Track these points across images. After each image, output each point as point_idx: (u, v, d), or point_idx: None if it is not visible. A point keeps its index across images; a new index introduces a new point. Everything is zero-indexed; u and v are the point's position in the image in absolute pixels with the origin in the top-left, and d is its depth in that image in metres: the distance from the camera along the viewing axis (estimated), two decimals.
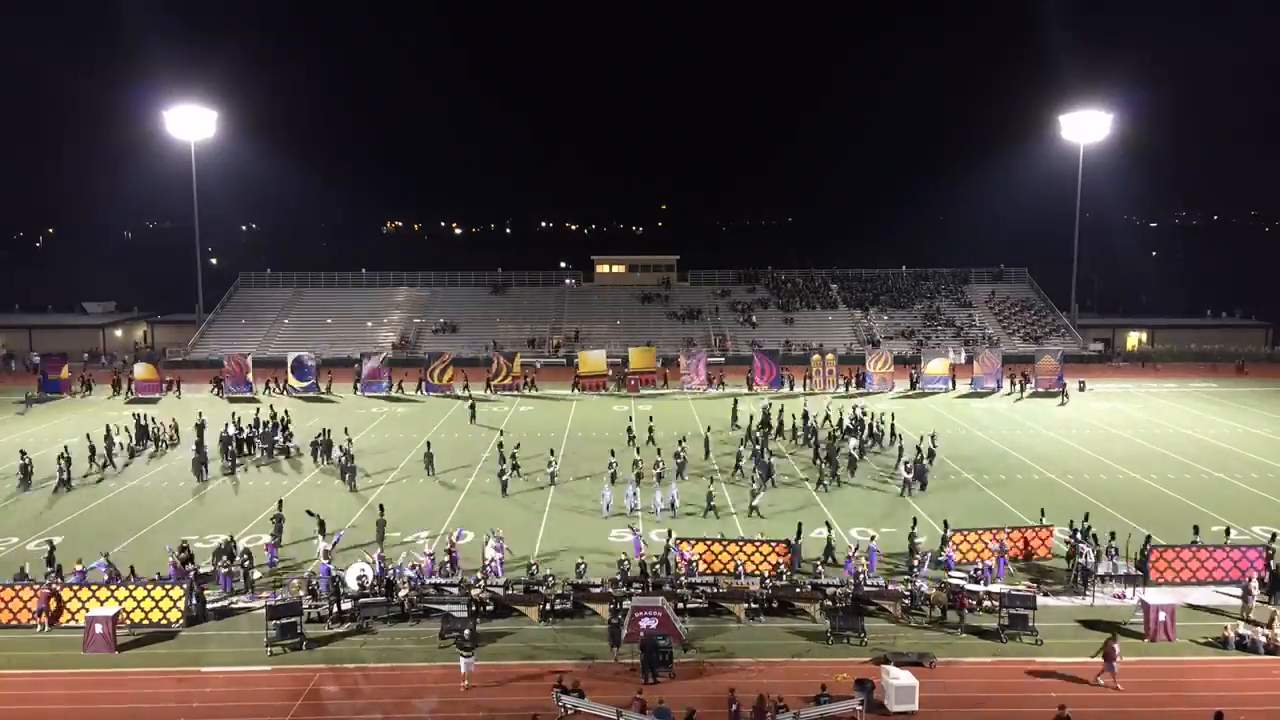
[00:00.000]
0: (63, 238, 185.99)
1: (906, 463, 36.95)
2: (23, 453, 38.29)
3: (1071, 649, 22.99)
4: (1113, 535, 28.15)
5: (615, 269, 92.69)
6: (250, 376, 60.21)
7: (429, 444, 41.28)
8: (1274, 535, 27.98)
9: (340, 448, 39.37)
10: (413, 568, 26.26)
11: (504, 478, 36.15)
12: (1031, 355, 64.68)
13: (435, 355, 62.73)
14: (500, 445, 40.18)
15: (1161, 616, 23.45)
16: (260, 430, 43.80)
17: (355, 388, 60.17)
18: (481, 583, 25.34)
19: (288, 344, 73.53)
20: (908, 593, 25.04)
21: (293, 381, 59.80)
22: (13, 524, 32.50)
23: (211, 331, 78.55)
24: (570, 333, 79.27)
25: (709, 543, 28.00)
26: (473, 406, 52.99)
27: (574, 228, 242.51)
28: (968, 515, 32.69)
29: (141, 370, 60.34)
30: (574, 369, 63.38)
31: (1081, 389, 59.53)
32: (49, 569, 25.94)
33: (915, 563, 26.91)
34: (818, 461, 39.36)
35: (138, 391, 58.68)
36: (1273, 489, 37.29)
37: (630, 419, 48.07)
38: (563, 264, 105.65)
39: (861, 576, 25.56)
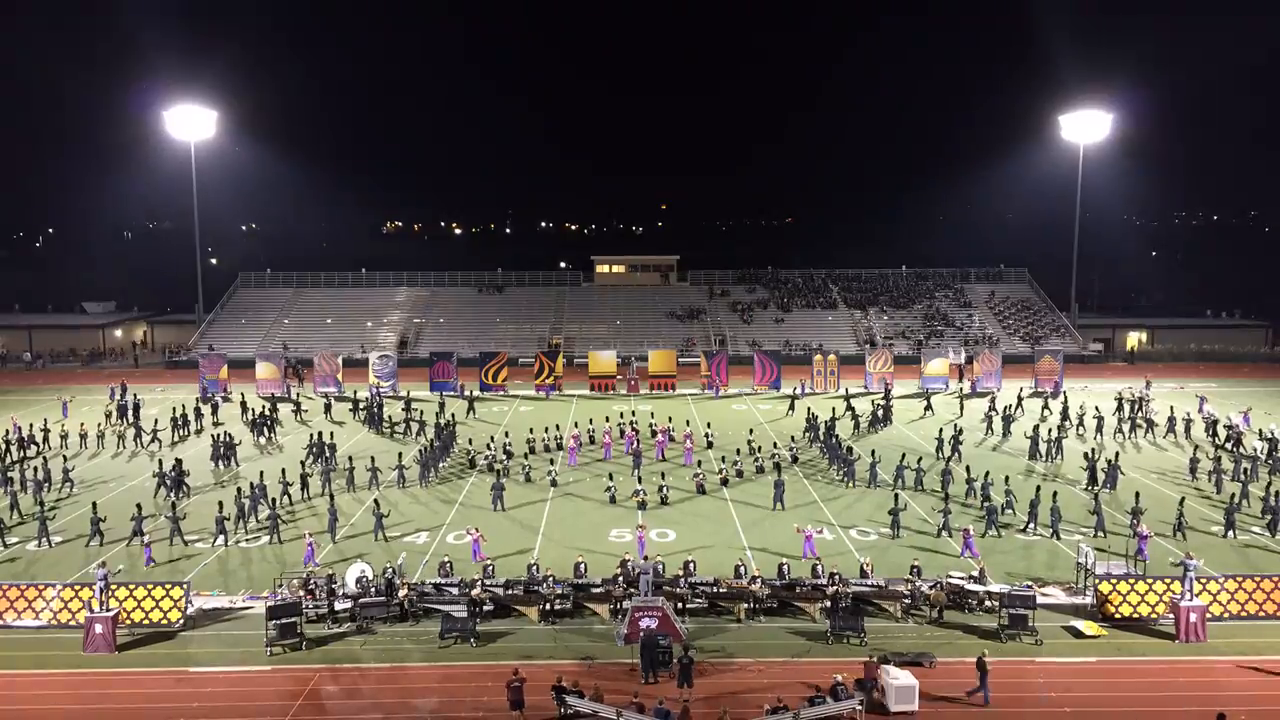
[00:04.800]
0: (63, 238, 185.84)
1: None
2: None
3: (1072, 649, 23.06)
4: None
5: (615, 269, 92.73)
6: (340, 376, 60.42)
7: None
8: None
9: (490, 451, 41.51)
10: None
11: (501, 492, 34.92)
12: (1031, 355, 64.74)
13: (440, 355, 62.65)
14: (491, 462, 40.38)
15: (1193, 618, 23.38)
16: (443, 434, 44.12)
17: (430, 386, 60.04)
18: (481, 582, 25.33)
19: (288, 344, 73.59)
20: (908, 593, 25.04)
21: (374, 380, 59.51)
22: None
23: (211, 331, 78.54)
24: (567, 335, 79.38)
25: None
26: (471, 404, 53.30)
27: (574, 228, 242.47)
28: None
29: (263, 369, 60.47)
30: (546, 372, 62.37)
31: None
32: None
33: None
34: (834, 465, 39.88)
35: (260, 390, 58.74)
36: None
37: (668, 418, 48.00)
38: (563, 264, 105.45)
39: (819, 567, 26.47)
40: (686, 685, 20.69)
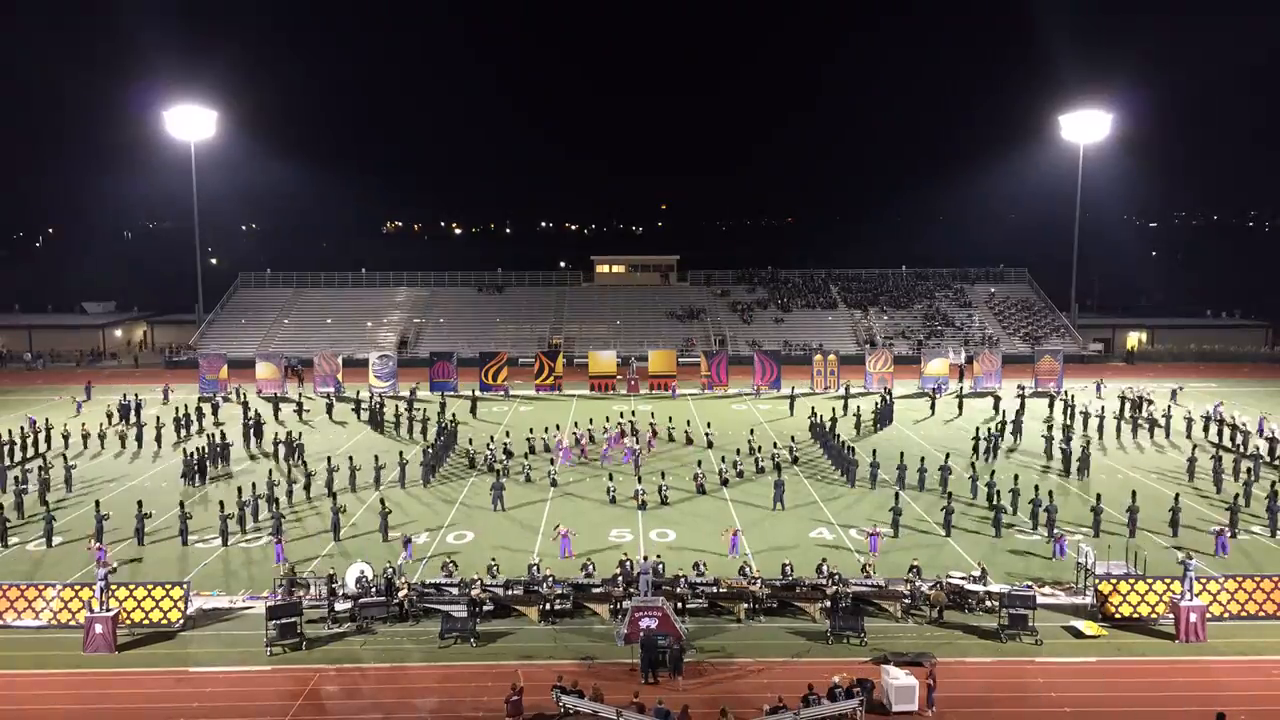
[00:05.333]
0: (63, 238, 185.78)
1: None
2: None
3: (1072, 649, 23.06)
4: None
5: (615, 269, 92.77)
6: (340, 376, 60.39)
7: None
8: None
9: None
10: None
11: (501, 492, 35.09)
12: (1031, 355, 64.74)
13: (440, 355, 62.63)
14: (490, 462, 40.22)
15: (1193, 618, 23.35)
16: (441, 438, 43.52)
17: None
18: (480, 582, 25.31)
19: (288, 344, 73.64)
20: (908, 593, 25.03)
21: (374, 382, 59.64)
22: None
23: (211, 331, 78.56)
24: (567, 335, 79.43)
25: None
26: (474, 404, 53.24)
27: (574, 228, 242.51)
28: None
29: (263, 369, 60.50)
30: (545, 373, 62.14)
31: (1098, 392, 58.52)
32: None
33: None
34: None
35: (261, 390, 58.81)
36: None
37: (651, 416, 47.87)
38: (562, 264, 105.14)
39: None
40: (678, 675, 20.91)
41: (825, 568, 26.24)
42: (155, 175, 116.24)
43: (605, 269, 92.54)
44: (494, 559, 27.24)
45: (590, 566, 26.51)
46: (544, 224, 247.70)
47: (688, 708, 19.20)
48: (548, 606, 24.76)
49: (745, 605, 24.78)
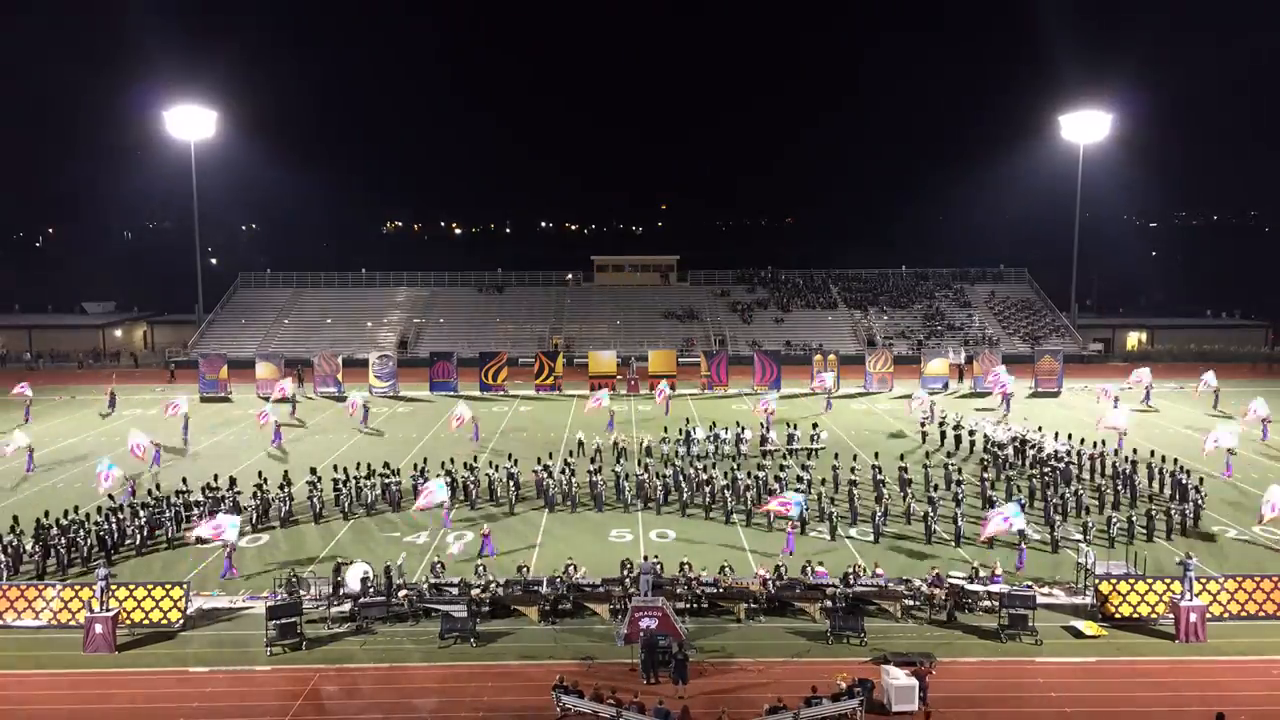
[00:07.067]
0: (63, 238, 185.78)
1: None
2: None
3: (1072, 649, 23.07)
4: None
5: (615, 269, 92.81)
6: (340, 376, 60.31)
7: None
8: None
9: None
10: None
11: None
12: (1031, 355, 64.76)
13: (440, 355, 62.68)
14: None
15: (1193, 618, 23.35)
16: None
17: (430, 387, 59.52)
18: (482, 582, 25.30)
19: (288, 344, 73.65)
20: (909, 593, 25.03)
21: (374, 382, 59.63)
22: None
23: (211, 331, 78.57)
24: (567, 335, 79.44)
25: None
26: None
27: (574, 228, 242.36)
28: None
29: (263, 369, 60.34)
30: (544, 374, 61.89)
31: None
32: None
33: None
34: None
35: (259, 390, 58.38)
36: None
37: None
38: (569, 276, 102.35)
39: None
40: (682, 682, 20.77)
41: (810, 570, 26.24)
42: (155, 175, 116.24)
43: (605, 269, 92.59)
44: (481, 560, 27.25)
45: (573, 569, 26.40)
46: (544, 224, 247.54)
47: (688, 708, 19.24)
48: (548, 606, 24.76)
49: (745, 605, 24.79)
